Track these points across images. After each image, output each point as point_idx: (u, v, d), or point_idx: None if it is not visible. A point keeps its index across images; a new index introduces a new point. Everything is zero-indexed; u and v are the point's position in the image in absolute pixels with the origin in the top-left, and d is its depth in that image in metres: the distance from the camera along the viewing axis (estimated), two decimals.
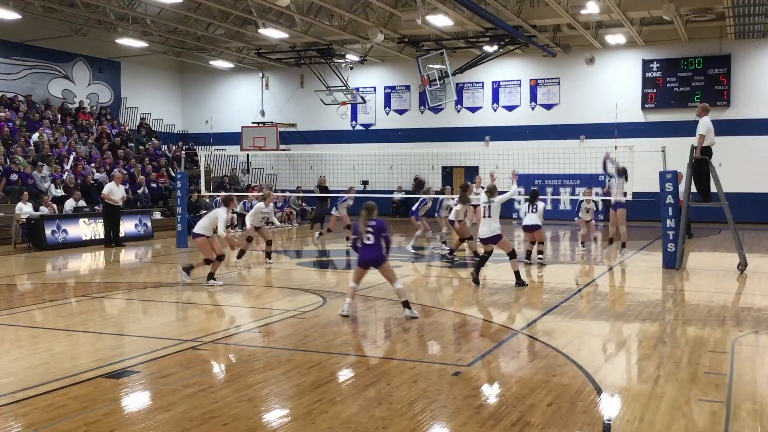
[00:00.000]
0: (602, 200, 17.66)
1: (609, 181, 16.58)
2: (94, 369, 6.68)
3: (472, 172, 27.21)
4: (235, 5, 23.86)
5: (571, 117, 28.36)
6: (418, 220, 16.96)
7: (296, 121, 32.81)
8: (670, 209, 13.90)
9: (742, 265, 13.24)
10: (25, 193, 18.77)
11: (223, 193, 23.59)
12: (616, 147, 17.20)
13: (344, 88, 30.27)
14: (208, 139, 31.63)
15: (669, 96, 27.07)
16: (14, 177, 20.27)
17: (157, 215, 23.06)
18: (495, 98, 29.83)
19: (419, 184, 29.38)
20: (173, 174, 24.25)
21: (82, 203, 19.96)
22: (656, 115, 27.27)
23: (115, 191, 18.65)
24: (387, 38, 26.71)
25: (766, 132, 25.98)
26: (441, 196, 16.99)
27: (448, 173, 30.58)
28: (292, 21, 25.67)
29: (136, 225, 20.61)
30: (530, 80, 29.26)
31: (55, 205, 19.57)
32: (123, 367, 6.81)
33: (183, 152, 24.91)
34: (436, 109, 29.83)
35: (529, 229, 14.80)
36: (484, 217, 11.73)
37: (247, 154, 31.77)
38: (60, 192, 20.87)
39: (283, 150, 31.52)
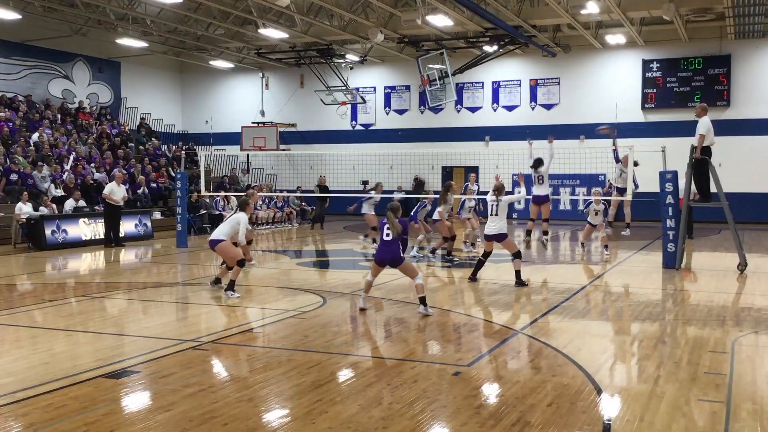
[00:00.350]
0: (610, 200, 17.43)
1: (617, 169, 16.49)
2: (94, 369, 6.69)
3: (472, 172, 27.20)
4: (235, 5, 23.86)
5: (571, 117, 28.35)
6: (416, 224, 16.89)
7: (296, 121, 32.81)
8: (670, 209, 13.91)
9: (742, 265, 13.24)
10: (25, 193, 18.76)
11: (228, 194, 23.65)
12: (616, 147, 17.21)
13: (344, 88, 30.26)
14: (208, 139, 31.63)
15: (669, 96, 27.07)
16: (14, 177, 20.27)
17: (157, 215, 23.06)
18: (495, 98, 29.83)
19: (419, 185, 29.38)
20: (173, 174, 24.24)
21: (81, 203, 19.95)
22: (656, 115, 27.27)
23: (116, 191, 18.64)
24: (387, 38, 26.72)
25: (766, 132, 25.97)
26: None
27: (448, 173, 30.56)
28: (292, 21, 25.67)
29: (136, 225, 20.60)
30: (530, 80, 29.26)
31: (54, 205, 19.56)
32: (123, 367, 6.81)
33: (183, 152, 24.91)
34: (436, 109, 29.83)
35: (539, 200, 14.56)
36: (491, 215, 11.83)
37: (247, 154, 31.77)
38: (60, 192, 20.87)
39: (283, 150, 31.53)
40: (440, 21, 23.86)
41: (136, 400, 5.99)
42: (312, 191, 26.78)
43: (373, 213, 17.96)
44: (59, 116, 26.69)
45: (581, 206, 16.76)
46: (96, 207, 20.15)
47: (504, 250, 12.18)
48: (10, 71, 26.90)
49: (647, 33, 26.32)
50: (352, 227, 25.22)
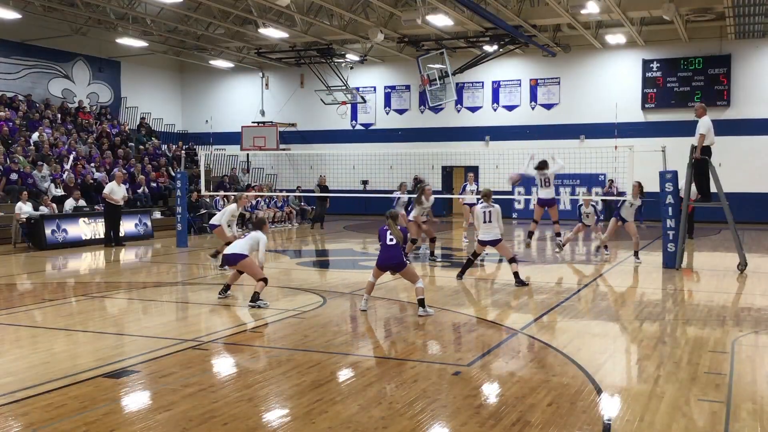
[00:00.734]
0: (602, 200, 17.48)
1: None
2: (94, 369, 6.69)
3: (471, 172, 27.18)
4: (235, 5, 23.86)
5: (571, 117, 28.36)
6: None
7: (296, 121, 32.80)
8: (670, 209, 13.91)
9: (742, 265, 13.24)
10: (25, 192, 18.75)
11: (228, 193, 23.62)
12: (616, 147, 17.18)
13: (344, 87, 30.26)
14: (208, 138, 31.62)
15: (669, 96, 27.06)
16: (14, 176, 20.27)
17: (157, 215, 23.06)
18: (495, 98, 29.83)
19: (419, 184, 29.33)
20: (173, 174, 24.24)
21: (81, 203, 19.96)
22: (656, 115, 27.26)
23: (116, 191, 18.64)
24: (387, 38, 26.71)
25: (766, 132, 25.97)
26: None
27: (448, 173, 30.58)
28: (292, 21, 25.66)
29: (136, 225, 20.60)
30: (530, 80, 29.25)
31: (54, 205, 19.56)
32: (123, 366, 6.81)
33: (183, 152, 24.90)
34: (436, 109, 29.82)
35: (544, 203, 14.59)
36: (484, 222, 11.84)
37: (247, 154, 31.75)
38: (60, 192, 20.86)
39: (283, 150, 31.52)
40: (440, 21, 23.86)
41: (136, 400, 5.99)
42: (312, 191, 26.78)
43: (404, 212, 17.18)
44: (59, 116, 26.68)
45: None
46: (96, 207, 20.15)
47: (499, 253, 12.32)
48: (10, 71, 26.89)
49: (647, 33, 26.31)
50: (352, 227, 25.23)
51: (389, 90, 31.53)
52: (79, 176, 22.01)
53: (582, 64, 28.27)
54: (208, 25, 26.63)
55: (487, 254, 14.68)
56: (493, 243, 11.85)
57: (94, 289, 11.83)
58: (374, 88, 31.66)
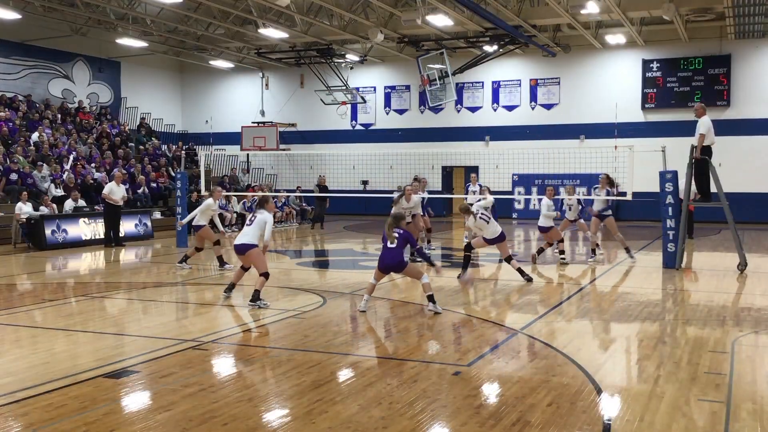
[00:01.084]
0: (583, 198, 17.43)
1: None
2: (94, 369, 6.68)
3: (472, 172, 27.22)
4: (235, 5, 23.86)
5: (571, 117, 28.37)
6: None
7: (296, 121, 32.81)
8: (670, 209, 13.90)
9: (742, 265, 13.23)
10: (25, 192, 18.75)
11: (228, 193, 23.59)
12: (616, 147, 17.17)
13: (344, 88, 30.26)
14: (208, 138, 31.62)
15: (669, 96, 27.07)
16: (14, 177, 20.28)
17: (157, 215, 23.06)
18: (495, 98, 29.83)
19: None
20: (173, 174, 24.24)
21: (81, 203, 19.96)
22: (656, 115, 27.27)
23: (115, 191, 18.64)
24: (387, 38, 26.71)
25: (766, 132, 25.98)
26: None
27: (448, 173, 30.58)
28: (292, 21, 25.67)
29: (136, 225, 20.60)
30: (530, 80, 29.26)
31: (54, 205, 19.56)
32: (123, 367, 6.81)
33: (183, 152, 24.89)
34: (436, 109, 29.83)
35: (542, 230, 14.85)
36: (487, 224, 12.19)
37: (247, 154, 31.76)
38: (60, 192, 20.87)
39: (283, 150, 31.53)
40: (440, 21, 23.86)
41: (136, 400, 5.99)
42: (312, 191, 26.78)
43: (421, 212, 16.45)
44: (59, 116, 26.69)
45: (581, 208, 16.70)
46: (96, 207, 20.15)
47: (499, 251, 12.44)
48: (10, 71, 26.90)
49: (647, 33, 26.32)
50: (352, 227, 25.24)
51: (389, 90, 31.54)
52: (79, 176, 22.01)
53: (582, 64, 28.27)
54: (208, 26, 26.64)
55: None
56: (494, 241, 12.13)
57: (94, 290, 11.83)
58: (374, 88, 31.66)
